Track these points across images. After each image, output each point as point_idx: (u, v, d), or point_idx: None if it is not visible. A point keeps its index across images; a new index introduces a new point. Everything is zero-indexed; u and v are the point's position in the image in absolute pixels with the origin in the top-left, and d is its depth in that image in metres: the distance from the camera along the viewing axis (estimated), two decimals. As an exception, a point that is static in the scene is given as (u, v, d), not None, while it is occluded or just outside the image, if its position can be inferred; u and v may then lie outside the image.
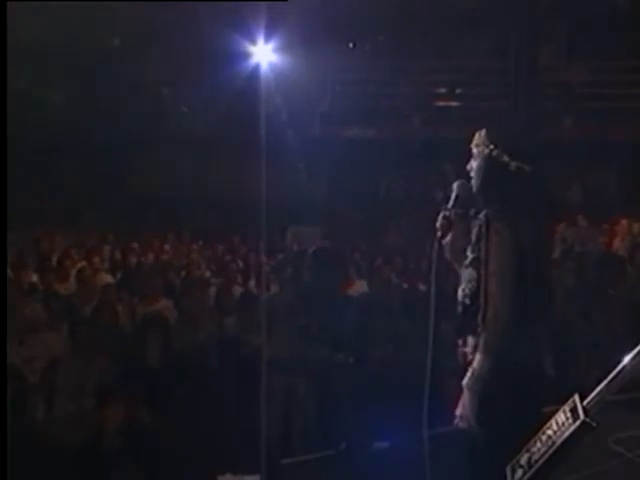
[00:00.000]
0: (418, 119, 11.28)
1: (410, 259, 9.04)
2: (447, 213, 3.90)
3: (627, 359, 2.91)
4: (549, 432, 2.89)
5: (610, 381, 2.88)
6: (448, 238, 3.90)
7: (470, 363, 3.70)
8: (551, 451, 2.84)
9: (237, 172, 9.71)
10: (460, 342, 3.83)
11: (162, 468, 6.11)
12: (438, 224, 3.91)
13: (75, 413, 6.50)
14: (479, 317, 3.68)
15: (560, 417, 2.86)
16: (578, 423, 2.78)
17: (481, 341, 3.66)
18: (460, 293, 3.82)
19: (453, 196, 3.93)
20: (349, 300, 8.35)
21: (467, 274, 3.80)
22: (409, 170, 11.15)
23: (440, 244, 3.90)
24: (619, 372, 2.88)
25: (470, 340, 3.75)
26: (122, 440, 6.16)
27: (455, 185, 3.96)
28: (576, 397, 2.87)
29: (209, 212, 10.18)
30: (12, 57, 5.24)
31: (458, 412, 3.76)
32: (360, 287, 8.78)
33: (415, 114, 11.25)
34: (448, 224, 3.89)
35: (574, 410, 2.82)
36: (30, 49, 8.81)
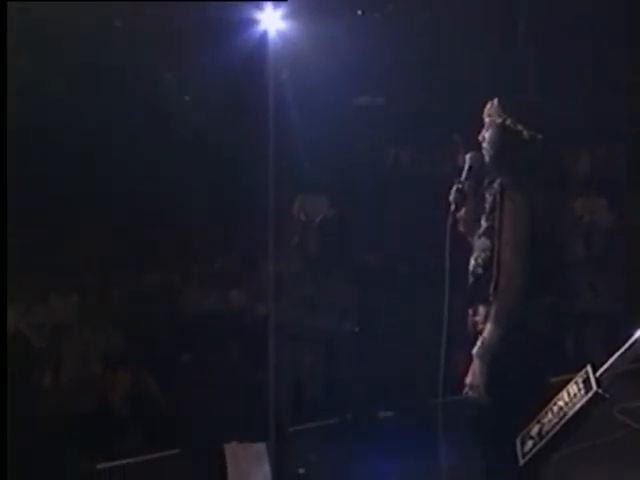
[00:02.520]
0: (427, 88, 11.21)
1: (417, 229, 9.01)
2: (460, 186, 3.87)
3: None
4: (560, 403, 2.89)
5: (623, 353, 2.87)
6: (462, 211, 3.88)
7: (481, 332, 3.69)
8: (562, 422, 2.83)
9: (244, 141, 9.65)
10: (471, 312, 3.81)
11: (168, 436, 6.13)
12: (451, 197, 3.88)
13: (82, 380, 6.53)
14: (491, 286, 3.66)
15: (572, 388, 2.85)
16: (591, 394, 2.78)
17: (492, 310, 3.65)
18: (472, 263, 3.80)
19: (466, 168, 3.90)
20: (356, 269, 8.36)
21: (480, 243, 3.79)
22: (417, 139, 11.08)
23: (454, 217, 3.88)
24: (632, 344, 2.87)
25: (481, 309, 3.73)
26: (128, 407, 6.18)
27: (467, 157, 3.93)
28: (589, 368, 2.86)
29: (216, 182, 10.13)
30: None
31: (468, 381, 3.75)
32: (367, 256, 8.77)
33: (424, 83, 11.17)
34: (462, 197, 3.87)
35: (587, 381, 2.82)
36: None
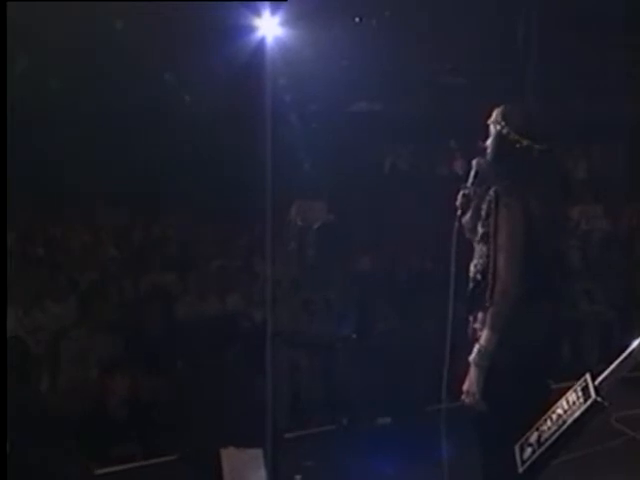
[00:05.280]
0: (424, 95, 11.25)
1: (416, 234, 9.03)
2: (466, 191, 3.88)
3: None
4: (559, 411, 2.89)
5: (621, 361, 2.87)
6: (467, 216, 3.88)
7: (478, 339, 3.70)
8: (561, 430, 2.84)
9: (242, 147, 9.67)
10: (471, 319, 3.82)
11: (165, 441, 6.13)
12: (458, 202, 3.88)
13: (79, 384, 6.52)
14: (487, 292, 3.67)
15: (571, 396, 2.86)
16: (589, 402, 2.78)
17: (488, 316, 3.66)
18: (472, 269, 3.81)
19: (472, 173, 3.90)
20: (353, 275, 8.36)
21: (479, 250, 3.80)
22: (414, 145, 11.13)
23: (460, 222, 3.88)
24: (630, 352, 2.88)
25: (480, 316, 3.74)
26: (125, 412, 6.17)
27: (474, 162, 3.94)
28: (587, 376, 2.87)
29: (214, 187, 10.15)
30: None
31: (464, 388, 3.75)
32: (364, 262, 8.77)
33: (422, 90, 11.21)
34: (468, 202, 3.87)
35: (585, 389, 2.82)
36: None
